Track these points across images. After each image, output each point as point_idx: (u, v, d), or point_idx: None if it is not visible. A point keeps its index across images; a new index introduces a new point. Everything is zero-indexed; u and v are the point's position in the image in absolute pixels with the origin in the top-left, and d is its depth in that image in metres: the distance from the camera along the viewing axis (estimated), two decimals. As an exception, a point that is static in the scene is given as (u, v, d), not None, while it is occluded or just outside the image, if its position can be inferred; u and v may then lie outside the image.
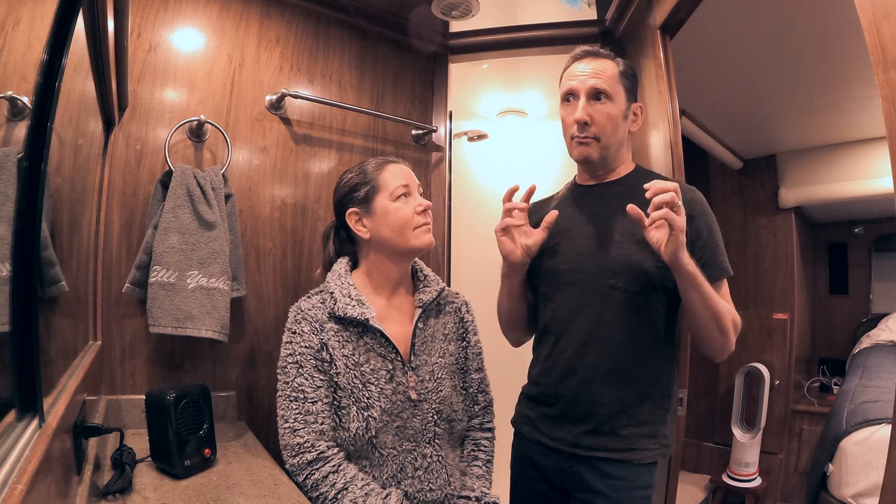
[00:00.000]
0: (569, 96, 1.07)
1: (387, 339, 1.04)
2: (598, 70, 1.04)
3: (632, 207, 0.89)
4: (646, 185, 0.87)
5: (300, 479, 0.98)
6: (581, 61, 1.07)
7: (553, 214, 1.05)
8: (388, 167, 1.12)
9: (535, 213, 1.20)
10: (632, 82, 1.08)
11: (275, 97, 1.52)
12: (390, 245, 1.09)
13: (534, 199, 1.27)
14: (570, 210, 1.14)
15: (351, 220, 1.12)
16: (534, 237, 1.06)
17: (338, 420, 1.01)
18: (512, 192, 1.05)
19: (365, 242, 1.13)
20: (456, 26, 1.83)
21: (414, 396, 1.05)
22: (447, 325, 1.16)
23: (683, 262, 0.89)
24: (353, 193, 1.12)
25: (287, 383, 1.02)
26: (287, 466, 1.00)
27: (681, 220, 0.86)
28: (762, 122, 2.68)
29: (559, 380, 1.07)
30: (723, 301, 0.99)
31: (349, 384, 1.01)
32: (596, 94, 1.04)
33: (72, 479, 0.74)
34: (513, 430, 1.19)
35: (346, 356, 1.02)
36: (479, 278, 2.06)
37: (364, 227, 1.11)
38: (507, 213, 1.05)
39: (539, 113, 2.53)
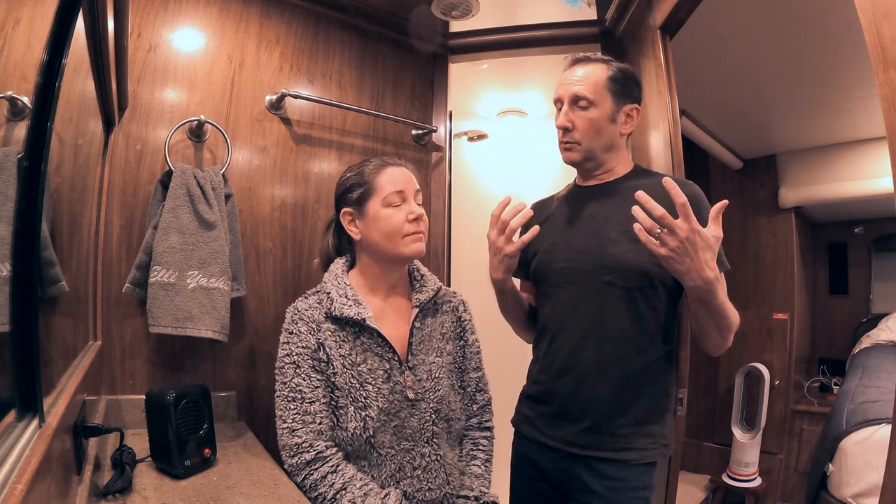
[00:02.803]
0: (557, 103, 1.11)
1: (384, 338, 1.04)
2: (583, 77, 1.06)
3: (635, 209, 0.89)
4: (637, 195, 0.87)
5: (299, 479, 0.98)
6: (570, 68, 1.10)
7: (535, 230, 1.06)
8: (386, 170, 1.10)
9: (539, 213, 1.20)
10: (623, 85, 1.07)
11: (275, 97, 1.52)
12: (379, 250, 1.09)
13: (535, 199, 1.28)
14: (569, 210, 1.15)
15: (344, 220, 1.12)
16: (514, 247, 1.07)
17: (335, 420, 1.01)
18: (504, 205, 1.05)
19: (358, 243, 1.13)
20: (456, 26, 1.83)
21: (411, 396, 1.05)
22: (444, 325, 1.16)
23: (691, 286, 0.88)
24: (348, 194, 1.12)
25: (285, 384, 1.02)
26: (286, 466, 1.00)
27: (673, 241, 0.85)
28: (762, 122, 2.68)
29: (555, 377, 1.07)
30: (729, 307, 0.98)
31: (346, 384, 1.01)
32: (577, 101, 1.06)
33: (72, 479, 0.74)
34: (512, 429, 1.19)
35: (344, 356, 1.02)
36: (478, 278, 2.04)
37: (356, 229, 1.11)
38: (502, 227, 1.05)
39: (539, 113, 2.53)
